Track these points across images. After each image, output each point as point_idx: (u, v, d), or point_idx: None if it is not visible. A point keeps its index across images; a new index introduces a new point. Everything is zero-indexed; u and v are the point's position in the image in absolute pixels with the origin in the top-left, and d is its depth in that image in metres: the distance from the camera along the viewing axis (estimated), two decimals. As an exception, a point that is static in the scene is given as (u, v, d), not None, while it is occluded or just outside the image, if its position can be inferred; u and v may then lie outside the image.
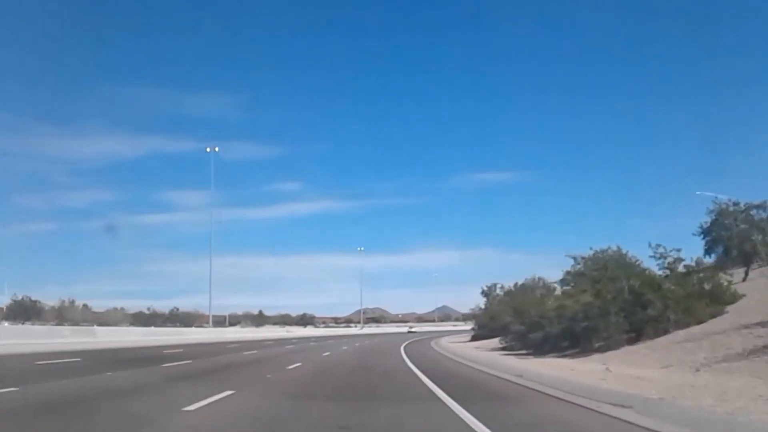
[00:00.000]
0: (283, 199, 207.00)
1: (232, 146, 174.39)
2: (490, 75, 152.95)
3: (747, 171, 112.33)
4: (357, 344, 44.09)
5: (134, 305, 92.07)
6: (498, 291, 56.60)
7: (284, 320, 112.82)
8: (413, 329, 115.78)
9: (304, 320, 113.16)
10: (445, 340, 54.31)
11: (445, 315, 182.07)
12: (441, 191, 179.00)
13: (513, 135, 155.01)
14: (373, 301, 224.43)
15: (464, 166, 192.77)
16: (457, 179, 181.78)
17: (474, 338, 54.89)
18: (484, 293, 57.74)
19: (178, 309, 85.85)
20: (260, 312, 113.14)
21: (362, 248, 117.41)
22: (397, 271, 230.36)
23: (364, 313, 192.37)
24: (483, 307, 58.40)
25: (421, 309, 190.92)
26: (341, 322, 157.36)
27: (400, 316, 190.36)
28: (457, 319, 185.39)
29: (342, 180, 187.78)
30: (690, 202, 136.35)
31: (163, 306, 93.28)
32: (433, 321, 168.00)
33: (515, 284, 52.96)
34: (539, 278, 51.85)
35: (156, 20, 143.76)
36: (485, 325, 51.41)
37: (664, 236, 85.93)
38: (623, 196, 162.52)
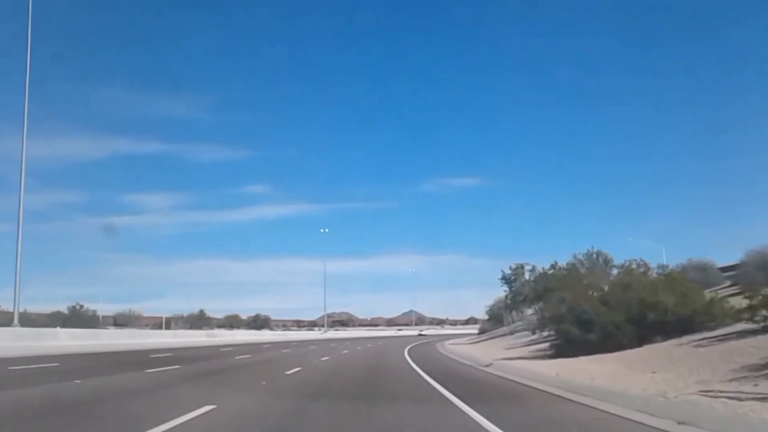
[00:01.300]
0: (251, 202, 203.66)
1: (199, 148, 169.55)
2: (459, 80, 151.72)
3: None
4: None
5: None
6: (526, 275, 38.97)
7: (231, 322, 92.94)
8: (423, 332, 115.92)
9: (258, 323, 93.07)
10: (466, 348, 38.28)
11: (418, 319, 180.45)
12: (409, 196, 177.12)
13: (480, 140, 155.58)
14: (341, 305, 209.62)
15: (432, 171, 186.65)
16: (426, 184, 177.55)
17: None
18: (507, 279, 40.18)
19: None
20: (201, 312, 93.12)
21: (326, 229, 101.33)
22: (366, 276, 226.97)
23: (329, 316, 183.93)
24: (507, 297, 40.82)
25: (390, 313, 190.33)
26: (304, 326, 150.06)
27: (368, 319, 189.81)
28: (431, 323, 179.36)
29: (310, 184, 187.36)
30: (650, 206, 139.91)
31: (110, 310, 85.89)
32: (408, 324, 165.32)
33: (554, 264, 35.26)
34: (597, 253, 34.38)
35: (120, 19, 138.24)
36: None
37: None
38: (588, 201, 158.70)
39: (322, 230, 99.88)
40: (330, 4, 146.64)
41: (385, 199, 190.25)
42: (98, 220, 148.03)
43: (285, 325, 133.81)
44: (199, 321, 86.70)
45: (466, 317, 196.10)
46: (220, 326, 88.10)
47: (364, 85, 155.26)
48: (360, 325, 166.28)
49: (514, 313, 49.35)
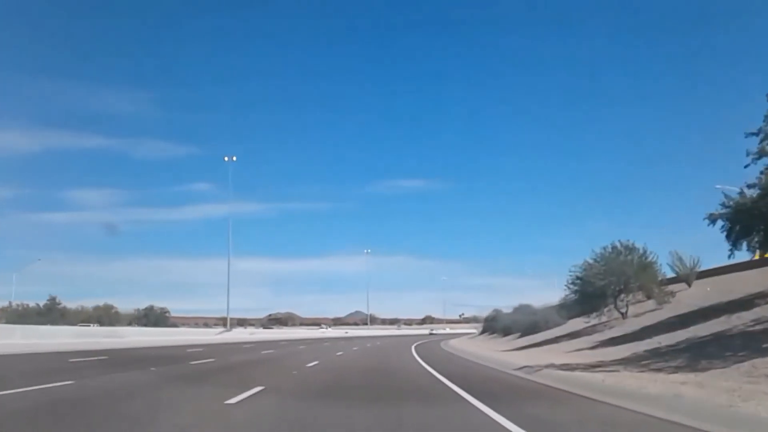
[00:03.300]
0: (196, 201, 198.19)
1: (143, 144, 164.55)
2: (408, 82, 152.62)
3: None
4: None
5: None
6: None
7: (102, 315, 68.38)
8: (434, 332, 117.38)
9: (151, 318, 67.83)
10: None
11: (362, 319, 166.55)
12: (357, 197, 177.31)
13: (427, 143, 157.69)
14: (286, 305, 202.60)
15: (381, 172, 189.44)
16: (374, 185, 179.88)
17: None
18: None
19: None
20: (105, 305, 69.26)
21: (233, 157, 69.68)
22: (313, 276, 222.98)
23: (271, 315, 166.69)
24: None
25: (338, 313, 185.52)
26: (218, 325, 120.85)
27: (313, 319, 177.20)
28: (383, 323, 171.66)
29: (257, 183, 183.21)
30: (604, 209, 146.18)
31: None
32: (356, 324, 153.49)
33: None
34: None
35: (60, 11, 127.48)
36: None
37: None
38: (537, 203, 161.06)
39: (225, 158, 66.85)
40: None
41: (334, 199, 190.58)
42: (32, 216, 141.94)
43: (197, 323, 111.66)
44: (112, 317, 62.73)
45: (422, 316, 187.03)
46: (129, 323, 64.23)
47: (313, 86, 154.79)
48: (301, 324, 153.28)
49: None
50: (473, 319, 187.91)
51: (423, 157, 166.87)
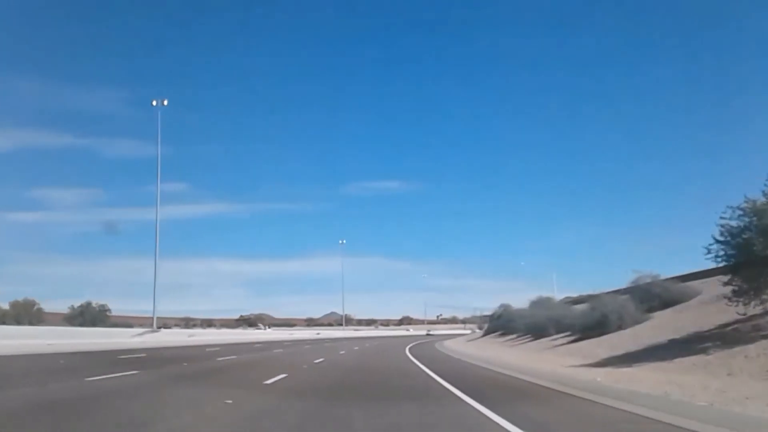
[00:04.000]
0: (167, 201, 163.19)
1: (114, 143, 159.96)
2: (384, 84, 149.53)
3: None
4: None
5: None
6: None
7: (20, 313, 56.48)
8: (431, 332, 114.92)
9: (87, 317, 56.20)
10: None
11: (336, 320, 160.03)
12: (333, 198, 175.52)
13: (402, 144, 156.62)
14: (262, 306, 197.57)
15: (356, 174, 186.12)
16: (349, 187, 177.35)
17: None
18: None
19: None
20: (25, 301, 56.85)
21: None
22: (290, 277, 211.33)
23: (242, 317, 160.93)
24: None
25: (314, 313, 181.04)
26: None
27: (286, 320, 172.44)
28: (359, 324, 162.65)
29: (232, 184, 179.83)
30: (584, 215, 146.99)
31: None
32: (330, 325, 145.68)
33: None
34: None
35: (30, 8, 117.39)
36: None
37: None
38: (509, 207, 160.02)
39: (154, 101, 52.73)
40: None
41: (309, 200, 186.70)
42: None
43: (142, 324, 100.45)
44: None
45: (399, 317, 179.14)
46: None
47: (288, 87, 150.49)
48: (270, 325, 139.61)
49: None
50: (452, 320, 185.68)
51: (399, 158, 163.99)
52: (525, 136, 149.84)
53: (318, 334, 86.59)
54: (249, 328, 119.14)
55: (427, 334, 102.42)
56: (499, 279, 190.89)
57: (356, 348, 38.21)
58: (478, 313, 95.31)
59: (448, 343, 47.89)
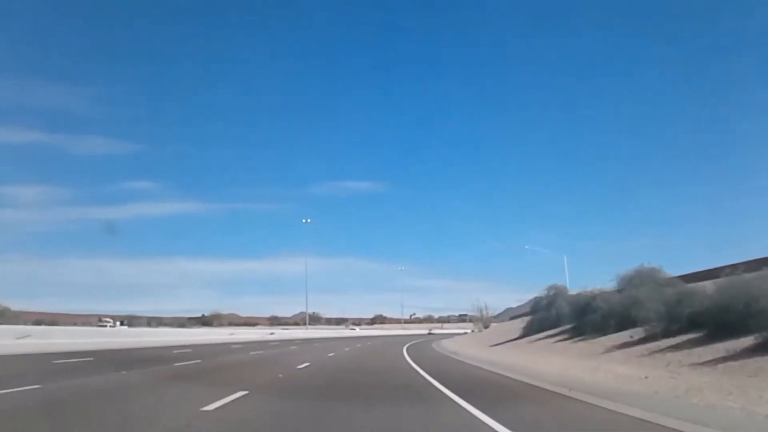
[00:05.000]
0: (135, 199, 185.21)
1: (81, 141, 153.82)
2: (355, 84, 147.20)
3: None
4: None
5: None
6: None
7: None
8: (433, 331, 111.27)
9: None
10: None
11: (302, 319, 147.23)
12: (302, 198, 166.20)
13: (373, 145, 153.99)
14: (231, 306, 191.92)
15: (326, 174, 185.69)
16: (318, 187, 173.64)
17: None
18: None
19: None
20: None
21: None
22: (259, 277, 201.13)
23: (203, 315, 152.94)
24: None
25: (283, 313, 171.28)
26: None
27: (247, 318, 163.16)
28: (328, 322, 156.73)
29: (200, 183, 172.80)
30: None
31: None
32: (296, 324, 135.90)
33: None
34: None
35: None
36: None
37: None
38: (481, 208, 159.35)
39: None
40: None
41: (279, 200, 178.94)
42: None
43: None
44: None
45: (371, 315, 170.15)
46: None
47: (259, 88, 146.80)
48: (229, 324, 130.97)
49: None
50: (427, 319, 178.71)
51: (370, 159, 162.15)
52: (502, 134, 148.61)
53: (272, 334, 70.60)
54: (203, 327, 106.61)
55: (429, 333, 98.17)
56: (474, 279, 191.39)
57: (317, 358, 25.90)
58: (455, 313, 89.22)
59: (457, 347, 34.28)
